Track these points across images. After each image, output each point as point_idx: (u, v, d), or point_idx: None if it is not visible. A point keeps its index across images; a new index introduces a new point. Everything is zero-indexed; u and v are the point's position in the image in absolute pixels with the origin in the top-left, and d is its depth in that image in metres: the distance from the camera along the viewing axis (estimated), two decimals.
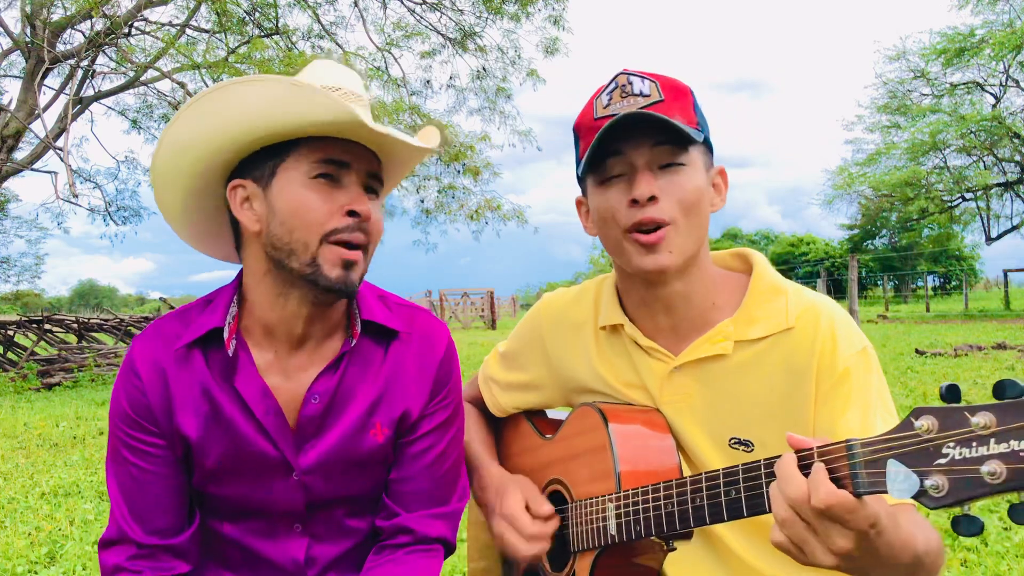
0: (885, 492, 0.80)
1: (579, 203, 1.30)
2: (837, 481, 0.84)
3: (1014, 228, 25.42)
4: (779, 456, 0.90)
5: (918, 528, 0.96)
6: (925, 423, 0.77)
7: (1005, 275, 25.90)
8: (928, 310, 24.77)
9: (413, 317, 1.31)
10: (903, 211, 27.71)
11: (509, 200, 15.49)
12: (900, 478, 0.78)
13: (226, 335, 1.18)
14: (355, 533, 1.29)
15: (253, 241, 1.18)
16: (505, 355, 1.50)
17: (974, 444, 0.73)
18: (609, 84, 1.20)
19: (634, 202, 1.14)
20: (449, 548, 1.31)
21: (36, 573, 3.28)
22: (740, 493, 0.97)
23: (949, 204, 26.35)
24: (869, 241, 39.57)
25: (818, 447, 0.87)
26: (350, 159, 1.15)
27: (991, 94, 24.33)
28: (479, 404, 1.55)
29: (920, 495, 0.77)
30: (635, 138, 1.14)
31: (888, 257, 36.47)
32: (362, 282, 1.26)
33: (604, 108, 1.18)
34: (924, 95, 25.18)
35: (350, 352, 1.23)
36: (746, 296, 1.21)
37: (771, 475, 0.92)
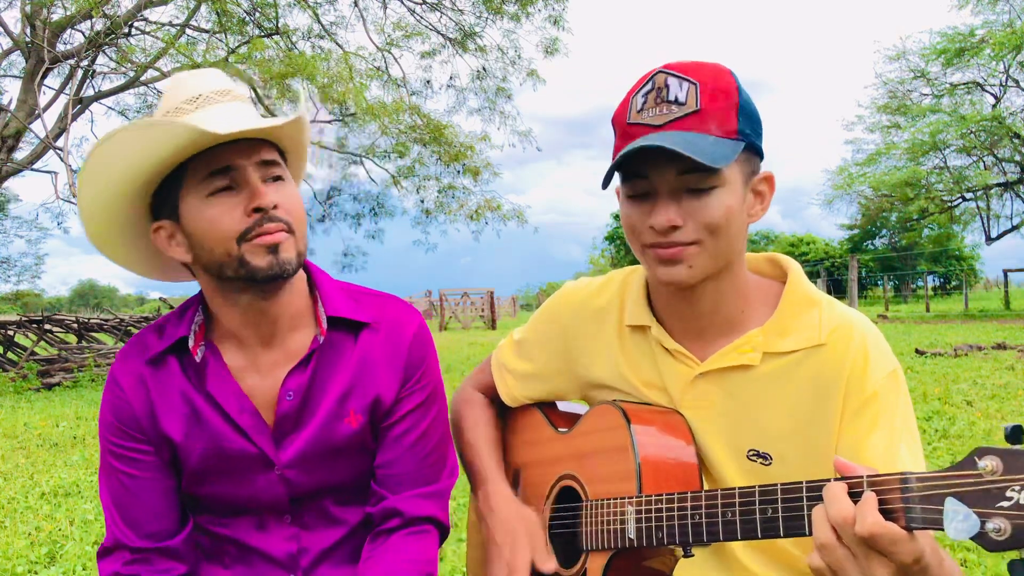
0: (940, 529, 0.78)
1: (618, 192, 1.23)
2: (888, 513, 0.82)
3: (1014, 228, 25.40)
4: (825, 480, 0.89)
5: (955, 568, 0.95)
6: (989, 464, 0.75)
7: (1005, 275, 25.89)
8: (928, 310, 24.76)
9: (382, 306, 1.33)
10: (903, 211, 27.68)
11: (509, 200, 15.46)
12: (959, 517, 0.76)
13: (191, 343, 1.24)
14: (343, 523, 1.32)
15: (193, 267, 1.23)
16: (521, 343, 1.46)
17: None
18: (646, 84, 1.13)
19: (653, 228, 1.10)
20: (442, 528, 1.32)
21: (36, 573, 3.28)
22: (778, 512, 0.95)
23: (949, 204, 26.33)
24: (869, 241, 39.59)
25: (868, 476, 0.85)
26: (236, 162, 1.15)
27: (991, 94, 24.32)
28: (489, 392, 1.52)
29: (979, 536, 0.75)
30: (661, 162, 1.08)
31: (888, 257, 36.46)
32: (328, 280, 1.31)
33: (638, 113, 1.12)
34: (924, 95, 25.17)
35: (320, 348, 1.26)
36: (779, 307, 1.18)
37: (813, 498, 0.90)
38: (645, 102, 1.12)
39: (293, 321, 1.26)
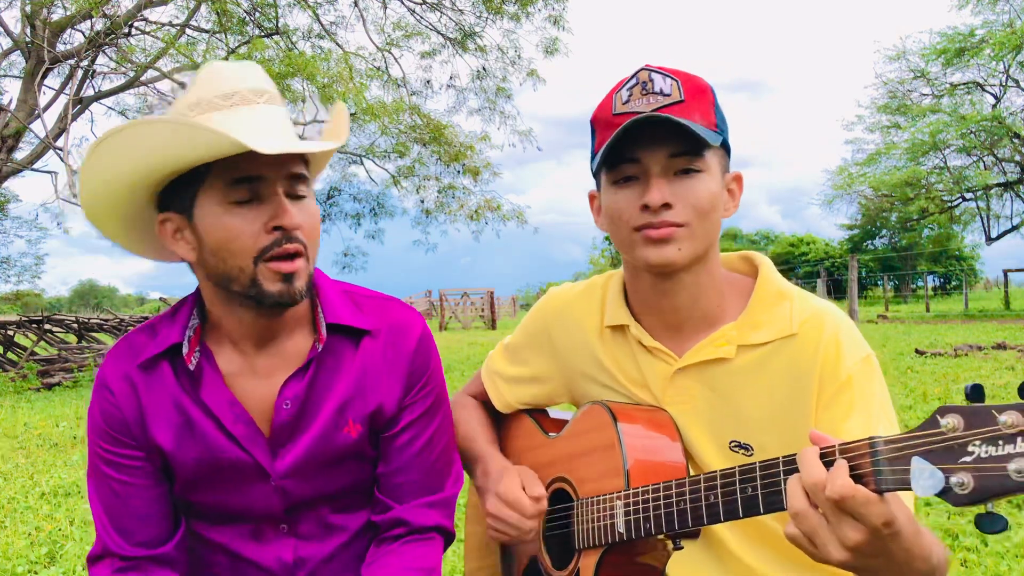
0: (909, 489, 0.80)
1: (592, 197, 1.29)
2: (860, 478, 0.84)
3: (1014, 228, 25.40)
4: (797, 453, 0.91)
5: (935, 541, 0.96)
6: (951, 421, 0.78)
7: (1005, 275, 25.89)
8: (928, 310, 24.76)
9: (383, 310, 1.29)
10: (903, 211, 27.69)
11: (509, 200, 15.46)
12: (925, 475, 0.78)
13: (186, 350, 1.19)
14: (341, 531, 1.30)
15: (195, 267, 1.19)
16: (510, 348, 1.49)
17: (1001, 442, 0.74)
18: (630, 79, 1.18)
19: (646, 207, 1.13)
20: (447, 535, 1.32)
21: (36, 573, 3.28)
22: (757, 490, 0.97)
23: (949, 204, 26.33)
24: (869, 241, 39.60)
25: (840, 444, 0.87)
26: (264, 172, 1.10)
27: (991, 94, 24.32)
28: (483, 400, 1.54)
29: (944, 492, 0.77)
30: (651, 144, 1.13)
31: (888, 257, 36.46)
32: (329, 282, 1.28)
33: (623, 104, 1.17)
34: (924, 95, 25.16)
35: (318, 356, 1.23)
36: (751, 300, 1.22)
37: (789, 471, 0.93)
38: (631, 95, 1.17)
39: (292, 326, 1.23)
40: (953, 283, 37.54)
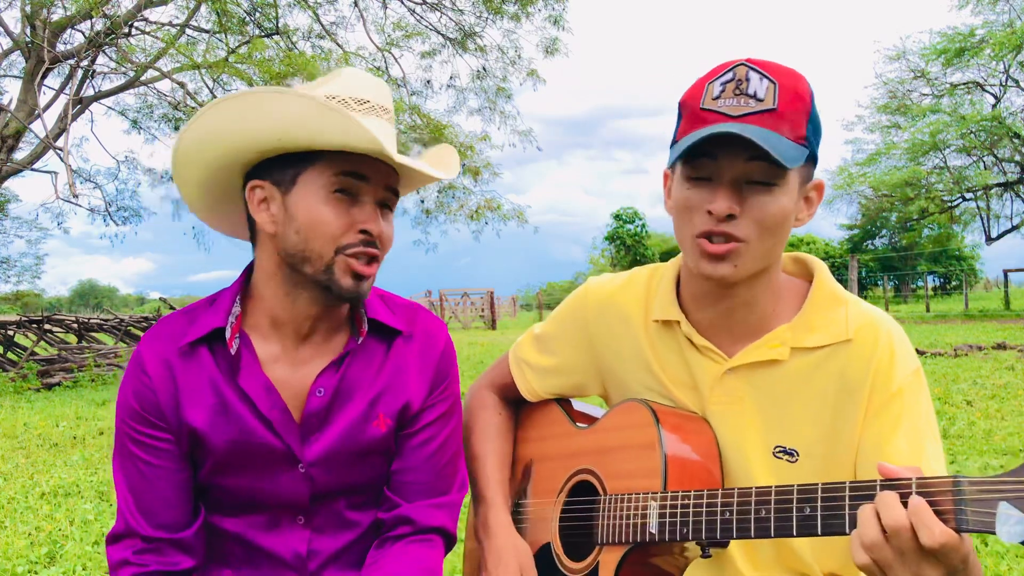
0: (991, 532, 0.80)
1: (666, 176, 1.24)
2: (938, 514, 0.84)
3: (1014, 228, 25.42)
4: (869, 482, 0.90)
5: (978, 563, 0.96)
6: None
7: (1005, 275, 25.91)
8: (928, 310, 24.78)
9: (414, 315, 1.36)
10: (903, 211, 27.69)
11: (509, 200, 15.47)
12: (1012, 521, 0.78)
13: (228, 334, 1.23)
14: (355, 526, 1.32)
15: (267, 241, 1.22)
16: (541, 338, 1.47)
17: None
18: (726, 73, 1.12)
19: (711, 212, 1.10)
20: (449, 538, 1.34)
21: (36, 573, 3.28)
22: (817, 511, 0.95)
23: (949, 204, 26.35)
24: (869, 241, 39.59)
25: (918, 479, 0.86)
26: (370, 175, 1.19)
27: (991, 94, 24.34)
28: (503, 391, 1.51)
29: None
30: (732, 146, 1.08)
31: (888, 257, 36.47)
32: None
33: (713, 100, 1.11)
34: (924, 95, 25.19)
35: (355, 349, 1.27)
36: (806, 303, 1.19)
37: (857, 499, 0.91)
38: (723, 91, 1.11)
39: (335, 320, 1.28)
40: (953, 283, 37.55)
